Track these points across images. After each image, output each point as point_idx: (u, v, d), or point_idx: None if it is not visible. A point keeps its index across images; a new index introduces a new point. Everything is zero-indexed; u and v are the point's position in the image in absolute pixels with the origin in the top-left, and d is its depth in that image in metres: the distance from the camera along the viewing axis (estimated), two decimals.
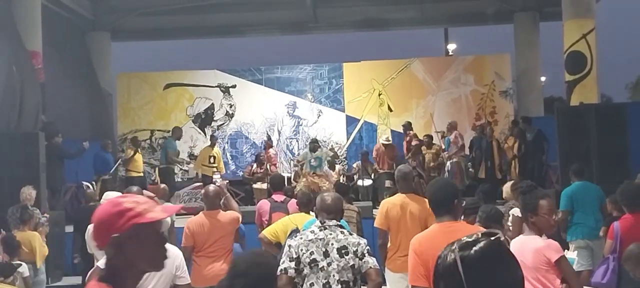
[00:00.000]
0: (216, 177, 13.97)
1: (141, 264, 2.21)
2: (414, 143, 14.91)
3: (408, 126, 15.56)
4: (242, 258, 2.56)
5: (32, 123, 12.45)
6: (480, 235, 1.93)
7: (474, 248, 1.87)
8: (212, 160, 15.05)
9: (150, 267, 2.25)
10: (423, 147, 15.14)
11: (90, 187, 11.82)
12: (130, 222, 2.14)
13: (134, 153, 14.80)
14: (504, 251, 1.90)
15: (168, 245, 5.36)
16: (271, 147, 16.22)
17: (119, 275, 2.17)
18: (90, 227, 7.22)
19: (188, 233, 6.61)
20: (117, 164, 14.54)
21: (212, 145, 15.42)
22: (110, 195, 7.66)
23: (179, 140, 15.33)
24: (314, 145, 14.29)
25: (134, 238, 2.14)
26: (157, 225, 2.18)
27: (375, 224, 6.83)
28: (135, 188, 6.73)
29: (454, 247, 1.90)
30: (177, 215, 13.75)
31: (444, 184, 4.56)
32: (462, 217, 6.03)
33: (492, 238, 1.91)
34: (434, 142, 15.45)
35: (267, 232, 6.81)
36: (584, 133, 11.33)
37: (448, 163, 14.80)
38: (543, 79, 21.46)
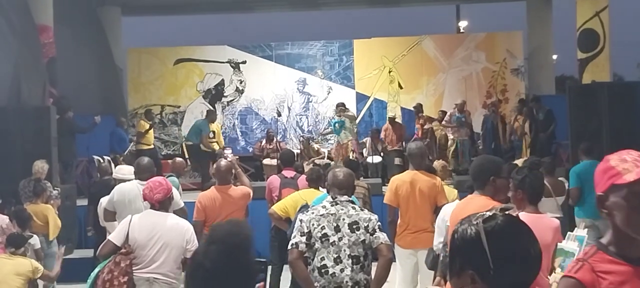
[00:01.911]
0: (227, 152, 14.01)
1: (623, 227, 2.08)
2: (427, 126, 14.96)
3: (419, 108, 15.60)
4: (219, 225, 2.62)
5: (39, 98, 12.51)
6: (498, 210, 1.95)
7: (496, 221, 1.89)
8: (212, 135, 15.03)
9: (633, 232, 2.06)
10: (435, 123, 15.21)
11: (102, 161, 11.88)
12: (609, 181, 2.08)
13: (150, 127, 14.86)
14: (524, 225, 1.92)
15: (177, 218, 5.42)
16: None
17: (617, 239, 2.10)
18: (103, 200, 7.28)
19: (199, 208, 6.66)
20: (130, 147, 14.62)
21: (211, 121, 15.39)
22: (123, 169, 7.72)
23: (213, 123, 15.18)
24: (339, 108, 14.21)
25: (612, 199, 2.06)
26: (636, 187, 2.01)
27: (385, 201, 6.86)
28: (146, 159, 6.75)
29: (474, 221, 1.91)
30: (187, 189, 13.87)
31: (484, 160, 4.61)
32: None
33: (508, 213, 1.93)
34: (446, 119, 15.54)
35: (276, 208, 6.85)
36: (595, 112, 11.28)
37: (452, 140, 14.87)
38: (555, 57, 21.32)
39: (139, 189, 6.22)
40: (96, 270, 5.09)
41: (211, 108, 17.03)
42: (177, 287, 5.25)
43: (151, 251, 5.05)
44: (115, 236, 5.14)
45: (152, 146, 14.81)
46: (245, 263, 2.52)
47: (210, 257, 2.42)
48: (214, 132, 15.09)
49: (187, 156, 14.60)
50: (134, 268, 5.02)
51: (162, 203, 5.22)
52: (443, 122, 15.25)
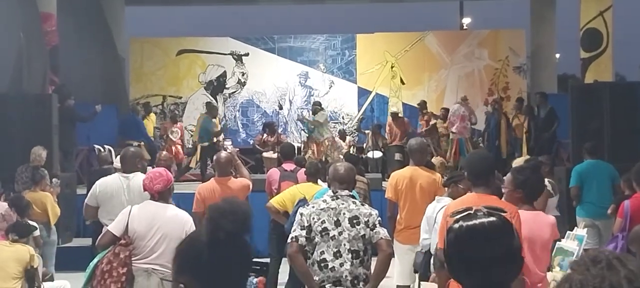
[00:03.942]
0: (227, 143, 14.00)
1: None
2: (432, 122, 14.94)
3: (423, 105, 15.61)
4: (222, 203, 2.47)
5: (40, 85, 12.49)
6: (474, 210, 1.97)
7: (460, 223, 1.93)
8: None
9: None
10: (438, 121, 15.19)
11: (103, 150, 11.86)
12: None
13: (142, 119, 14.83)
14: (489, 229, 1.93)
15: (177, 209, 5.41)
16: (176, 123, 15.51)
17: None
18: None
19: (199, 199, 6.65)
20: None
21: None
22: None
23: (215, 119, 15.14)
24: (315, 107, 14.20)
25: None
26: None
27: (386, 195, 6.87)
28: (131, 150, 6.72)
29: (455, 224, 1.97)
30: (187, 181, 13.86)
31: (484, 156, 4.58)
32: (450, 186, 6.07)
33: (472, 214, 1.96)
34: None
35: (274, 201, 6.85)
36: (597, 111, 11.26)
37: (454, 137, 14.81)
38: (557, 55, 21.27)
39: (122, 182, 6.13)
40: (95, 260, 5.09)
41: (211, 101, 16.99)
42: None
43: (150, 242, 5.04)
44: (114, 226, 5.13)
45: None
46: (246, 239, 2.45)
47: (223, 227, 2.30)
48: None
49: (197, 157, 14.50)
50: (133, 259, 5.01)
51: (161, 194, 5.20)
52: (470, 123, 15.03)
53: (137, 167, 6.34)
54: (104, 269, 4.94)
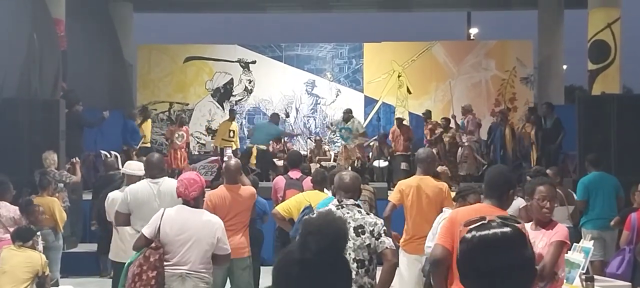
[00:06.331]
0: (228, 152, 14.01)
1: None
2: (437, 131, 14.92)
3: (428, 114, 15.60)
4: (315, 218, 2.44)
5: (51, 90, 12.52)
6: (488, 220, 1.97)
7: (473, 233, 1.92)
8: (231, 134, 15.08)
9: None
10: (448, 130, 15.17)
11: (109, 156, 11.89)
12: None
13: (141, 123, 14.81)
14: (495, 240, 1.93)
15: (210, 215, 5.40)
16: (183, 126, 15.30)
17: None
18: (110, 195, 7.25)
19: (209, 206, 6.63)
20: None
21: (232, 119, 15.47)
22: (131, 165, 7.70)
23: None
24: (348, 115, 14.22)
25: None
26: None
27: (389, 198, 6.86)
28: (156, 155, 6.68)
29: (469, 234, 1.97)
30: None
31: (503, 171, 4.54)
32: (459, 200, 6.05)
33: (485, 224, 1.96)
34: (451, 125, 15.43)
35: (280, 208, 6.84)
36: (604, 123, 11.24)
37: (460, 148, 14.77)
38: (565, 67, 21.24)
39: (152, 188, 6.09)
40: (129, 260, 5.15)
41: (224, 107, 17.13)
42: (209, 281, 5.24)
43: (182, 247, 5.06)
44: (147, 229, 5.16)
45: (148, 144, 14.73)
46: (343, 256, 2.41)
47: (309, 247, 2.28)
48: (233, 131, 15.17)
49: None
50: (166, 264, 5.03)
51: (196, 200, 5.23)
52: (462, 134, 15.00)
53: (164, 171, 6.33)
54: (135, 272, 4.99)
